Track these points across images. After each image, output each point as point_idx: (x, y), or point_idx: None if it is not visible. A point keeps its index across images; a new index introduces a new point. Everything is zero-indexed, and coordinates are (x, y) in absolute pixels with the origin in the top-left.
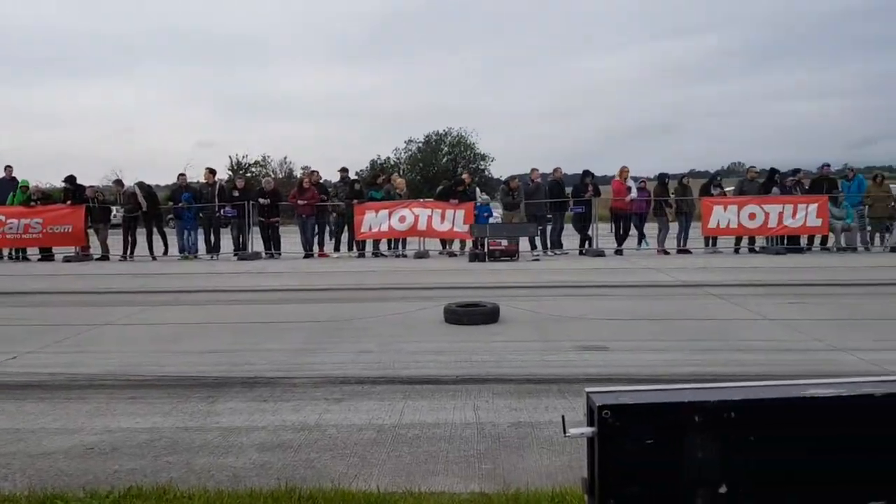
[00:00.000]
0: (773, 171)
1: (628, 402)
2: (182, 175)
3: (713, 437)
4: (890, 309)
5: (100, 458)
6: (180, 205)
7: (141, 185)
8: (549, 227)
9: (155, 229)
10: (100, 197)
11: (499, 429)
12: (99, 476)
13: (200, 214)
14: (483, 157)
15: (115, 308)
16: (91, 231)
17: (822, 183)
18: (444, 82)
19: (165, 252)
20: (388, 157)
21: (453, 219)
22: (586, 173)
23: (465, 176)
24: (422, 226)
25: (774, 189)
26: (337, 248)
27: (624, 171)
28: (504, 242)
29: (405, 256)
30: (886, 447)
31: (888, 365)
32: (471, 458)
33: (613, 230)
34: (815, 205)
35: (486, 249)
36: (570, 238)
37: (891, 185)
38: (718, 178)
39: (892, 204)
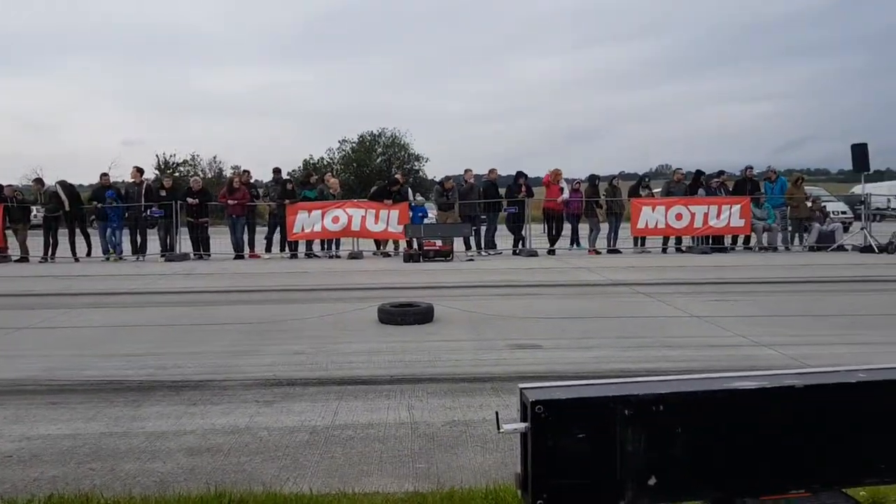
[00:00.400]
0: (698, 172)
1: (561, 397)
2: (105, 175)
3: (642, 430)
4: (808, 306)
5: (19, 465)
6: (106, 203)
7: (63, 183)
8: (483, 228)
9: (78, 230)
10: (18, 196)
11: (433, 428)
12: (18, 485)
13: (126, 215)
14: (417, 158)
15: (35, 311)
16: (9, 232)
17: (746, 184)
18: (378, 82)
19: (88, 253)
20: (322, 157)
21: (387, 219)
22: (520, 174)
23: (398, 176)
24: (355, 226)
25: (700, 190)
26: (269, 249)
27: (557, 174)
28: (438, 243)
29: (338, 257)
30: (807, 438)
31: (807, 359)
32: (405, 457)
33: (546, 230)
34: (739, 206)
35: (420, 250)
36: (504, 238)
37: (810, 188)
38: (647, 180)
39: (811, 205)
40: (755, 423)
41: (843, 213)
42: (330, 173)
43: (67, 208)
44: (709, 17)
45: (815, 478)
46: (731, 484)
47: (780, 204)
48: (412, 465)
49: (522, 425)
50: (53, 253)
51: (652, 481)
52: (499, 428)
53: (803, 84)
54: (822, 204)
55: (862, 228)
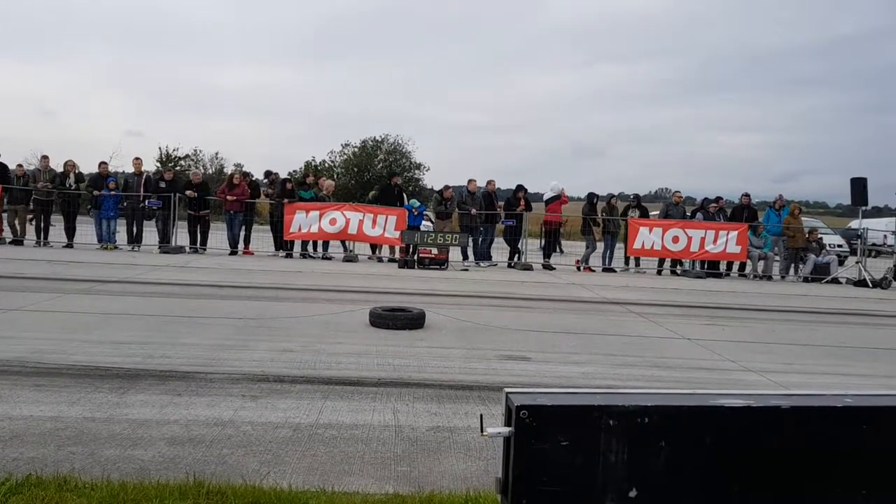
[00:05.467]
0: (705, 201)
1: (546, 404)
2: (104, 164)
3: (626, 441)
4: (799, 335)
5: None
6: (107, 188)
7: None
8: (479, 239)
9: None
10: (25, 177)
11: (417, 432)
12: None
13: (124, 203)
14: (418, 167)
15: (27, 294)
16: (6, 213)
17: (743, 211)
18: (383, 89)
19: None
20: (324, 160)
21: (385, 224)
22: (519, 188)
23: (394, 179)
24: (352, 229)
25: (698, 214)
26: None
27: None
28: (434, 250)
29: (331, 258)
30: (790, 458)
31: (794, 387)
32: (387, 459)
33: (542, 245)
34: (736, 232)
35: (415, 256)
36: (500, 251)
37: (807, 220)
38: (635, 201)
39: (807, 236)
40: (739, 441)
41: (839, 246)
42: (323, 177)
43: (73, 183)
44: (713, 45)
45: (795, 500)
46: (712, 501)
47: (779, 233)
48: (394, 468)
49: (506, 430)
50: (46, 237)
51: (633, 493)
52: (482, 431)
53: (804, 117)
54: (819, 236)
55: (857, 262)
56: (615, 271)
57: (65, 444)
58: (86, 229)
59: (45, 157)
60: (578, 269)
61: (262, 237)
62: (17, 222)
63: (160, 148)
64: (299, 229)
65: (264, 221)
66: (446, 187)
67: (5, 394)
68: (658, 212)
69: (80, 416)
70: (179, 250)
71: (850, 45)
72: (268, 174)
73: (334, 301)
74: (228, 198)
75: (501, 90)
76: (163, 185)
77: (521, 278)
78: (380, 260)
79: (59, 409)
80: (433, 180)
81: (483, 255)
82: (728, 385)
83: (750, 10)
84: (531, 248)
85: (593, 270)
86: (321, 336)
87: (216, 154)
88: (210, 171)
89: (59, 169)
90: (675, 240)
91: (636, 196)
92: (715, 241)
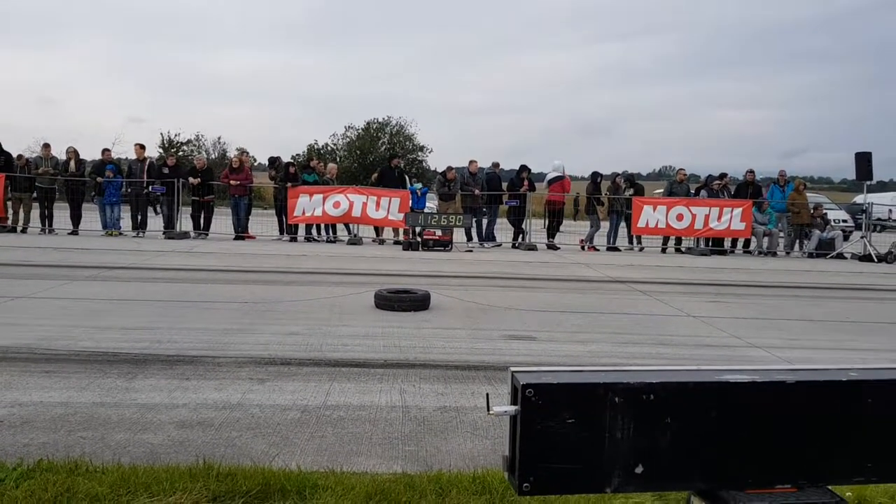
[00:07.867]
0: (709, 177)
1: (551, 382)
2: (107, 150)
3: (631, 418)
4: (804, 310)
5: (9, 430)
6: (106, 176)
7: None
8: (483, 220)
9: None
10: (28, 167)
11: (424, 412)
12: (7, 450)
13: (129, 190)
14: (421, 149)
15: (34, 281)
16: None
17: (747, 188)
18: (387, 71)
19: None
20: (327, 143)
21: (388, 206)
22: (523, 168)
23: (395, 161)
24: (356, 212)
25: (702, 192)
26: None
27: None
28: (438, 232)
29: (334, 241)
30: (796, 433)
31: (799, 362)
32: (395, 440)
33: (546, 225)
34: (740, 209)
35: (419, 238)
36: (504, 232)
37: (812, 195)
38: (627, 182)
39: (812, 212)
40: (744, 416)
41: (844, 221)
42: (322, 162)
43: (74, 168)
44: (716, 20)
45: (801, 473)
46: (717, 475)
47: (784, 209)
48: (402, 448)
49: (512, 408)
50: (50, 224)
51: (639, 469)
52: (489, 409)
53: (808, 92)
54: (824, 211)
55: (862, 237)
56: (619, 250)
57: (75, 430)
58: (91, 216)
59: (46, 146)
60: (583, 248)
61: (266, 221)
62: (21, 211)
63: (162, 134)
64: (303, 213)
65: (269, 206)
66: (449, 168)
67: (15, 380)
68: (662, 190)
69: (90, 401)
70: (184, 236)
71: (854, 17)
72: (272, 161)
73: (339, 284)
74: (232, 182)
75: (502, 70)
76: (166, 170)
77: (526, 258)
78: (383, 242)
79: (68, 395)
80: (436, 162)
81: (487, 236)
82: (733, 361)
83: None
84: (535, 228)
85: (597, 250)
86: (327, 318)
87: (219, 139)
88: (213, 157)
89: (61, 156)
90: (680, 217)
91: (629, 176)
92: (719, 218)
